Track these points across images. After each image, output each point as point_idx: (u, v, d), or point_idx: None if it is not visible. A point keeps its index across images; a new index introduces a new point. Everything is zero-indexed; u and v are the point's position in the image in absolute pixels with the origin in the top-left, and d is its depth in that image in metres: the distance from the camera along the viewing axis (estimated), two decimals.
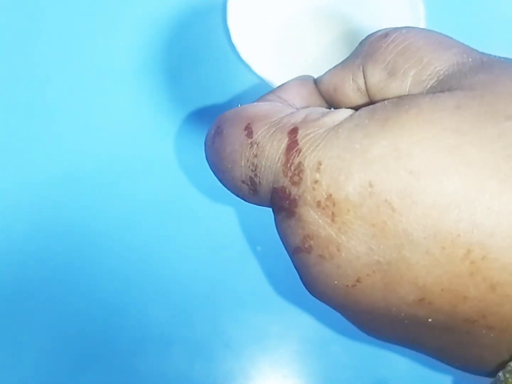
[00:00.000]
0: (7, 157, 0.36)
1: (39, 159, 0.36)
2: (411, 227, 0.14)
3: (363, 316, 0.16)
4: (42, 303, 0.34)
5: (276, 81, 0.33)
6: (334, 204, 0.14)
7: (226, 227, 0.36)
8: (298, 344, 0.34)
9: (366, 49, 0.18)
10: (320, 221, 0.15)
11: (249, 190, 0.17)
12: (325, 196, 0.15)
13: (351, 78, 0.18)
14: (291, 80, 0.21)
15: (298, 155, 0.15)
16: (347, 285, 0.15)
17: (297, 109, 0.18)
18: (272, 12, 0.39)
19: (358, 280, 0.15)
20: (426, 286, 0.14)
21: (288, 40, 0.39)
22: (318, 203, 0.15)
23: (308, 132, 0.15)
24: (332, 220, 0.15)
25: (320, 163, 0.15)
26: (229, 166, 0.17)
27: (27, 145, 0.37)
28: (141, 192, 0.36)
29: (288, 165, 0.15)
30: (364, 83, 0.18)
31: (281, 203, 0.16)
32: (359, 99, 0.18)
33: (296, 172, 0.15)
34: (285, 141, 0.15)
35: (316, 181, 0.15)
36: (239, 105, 0.18)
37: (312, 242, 0.15)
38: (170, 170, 0.36)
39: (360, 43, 0.18)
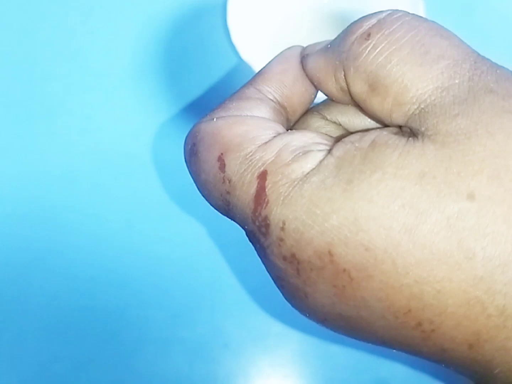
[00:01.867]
0: (7, 157, 0.36)
1: (38, 159, 0.36)
2: (367, 295, 0.14)
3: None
4: (41, 303, 0.34)
5: None
6: (298, 262, 0.15)
7: (226, 227, 0.36)
8: (298, 344, 0.34)
9: (347, 51, 0.16)
10: (288, 270, 0.15)
11: (226, 216, 0.18)
12: (290, 254, 0.15)
13: (333, 78, 0.17)
14: (273, 63, 0.19)
15: (265, 207, 0.15)
16: (317, 320, 0.16)
17: (273, 122, 0.17)
18: (272, 12, 0.39)
19: (325, 319, 0.16)
20: (385, 338, 0.15)
21: (288, 40, 0.39)
22: (284, 258, 0.15)
23: (277, 179, 0.15)
24: (298, 274, 0.15)
25: (284, 223, 0.15)
26: (206, 192, 0.17)
27: (26, 145, 0.37)
28: (140, 192, 0.36)
29: (256, 214, 0.15)
30: (347, 87, 0.17)
31: (253, 243, 0.16)
32: (344, 97, 0.18)
33: (263, 224, 0.15)
34: (254, 186, 0.15)
35: (281, 239, 0.15)
36: (214, 119, 0.17)
37: (283, 283, 0.16)
38: (169, 170, 0.36)
39: (343, 32, 0.17)
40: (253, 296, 0.35)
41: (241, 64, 0.38)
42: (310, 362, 0.34)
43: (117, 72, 0.38)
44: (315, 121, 0.19)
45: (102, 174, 0.36)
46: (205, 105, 0.38)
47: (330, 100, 0.19)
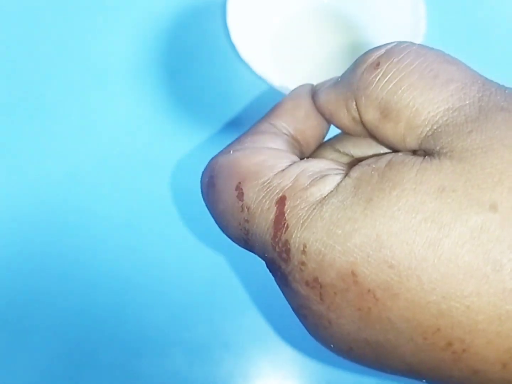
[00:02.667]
0: (7, 157, 0.36)
1: (38, 159, 0.36)
2: (394, 316, 0.14)
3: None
4: (41, 303, 0.34)
5: (275, 81, 0.33)
6: (321, 286, 0.15)
7: None
8: (298, 344, 0.34)
9: (358, 81, 0.17)
10: (311, 296, 0.15)
11: (245, 247, 0.18)
12: (312, 278, 0.15)
13: (345, 109, 0.18)
14: (285, 100, 0.20)
15: (285, 232, 0.15)
16: (342, 350, 0.16)
17: (288, 153, 0.18)
18: (272, 12, 0.39)
19: (351, 349, 0.15)
20: (413, 364, 0.15)
21: (288, 40, 0.39)
22: (307, 283, 0.15)
23: (296, 204, 0.15)
24: (321, 299, 0.15)
25: (305, 246, 0.15)
26: (224, 223, 0.18)
27: (26, 145, 0.36)
28: (140, 191, 0.36)
29: (276, 240, 0.15)
30: (359, 116, 0.17)
31: (274, 272, 0.16)
32: (356, 127, 0.18)
33: (284, 249, 0.15)
34: (273, 212, 0.16)
35: (302, 263, 0.15)
36: (231, 151, 0.18)
37: (306, 312, 0.16)
38: (169, 170, 0.36)
39: (353, 65, 0.17)
40: (253, 296, 0.35)
41: (241, 64, 0.38)
42: (310, 362, 0.34)
43: (117, 72, 0.38)
44: (329, 154, 0.20)
45: (102, 173, 0.36)
46: (205, 104, 0.38)
47: (343, 134, 0.20)
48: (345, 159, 0.19)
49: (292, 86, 0.33)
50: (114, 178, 0.36)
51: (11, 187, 0.36)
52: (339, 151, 0.20)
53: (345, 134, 0.20)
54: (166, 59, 0.39)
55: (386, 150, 0.19)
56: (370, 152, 0.19)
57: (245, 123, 0.38)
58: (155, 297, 0.34)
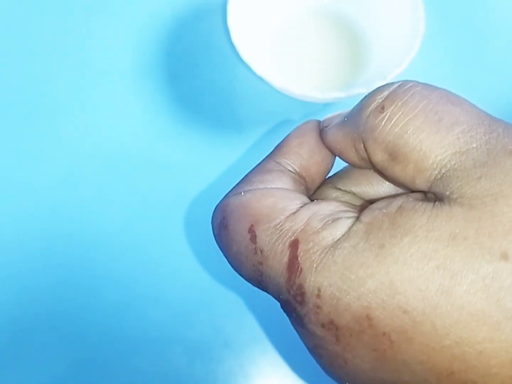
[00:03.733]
0: (7, 157, 0.36)
1: (39, 159, 0.36)
2: (409, 358, 0.14)
3: None
4: (41, 302, 0.34)
5: (276, 82, 0.33)
6: (337, 328, 0.15)
7: None
8: (298, 344, 0.34)
9: (364, 124, 0.17)
10: (327, 338, 0.15)
11: (259, 287, 0.18)
12: (328, 320, 0.15)
13: (354, 149, 0.18)
14: (290, 138, 0.20)
15: (299, 275, 0.15)
16: None
17: (298, 193, 0.18)
18: (272, 12, 0.39)
19: None
20: None
21: (288, 40, 0.39)
22: (323, 325, 0.15)
23: (308, 247, 0.16)
24: (337, 340, 0.15)
25: (319, 290, 0.15)
26: (237, 264, 0.18)
27: (27, 145, 0.37)
28: (140, 191, 0.36)
29: (291, 283, 0.16)
30: (367, 156, 0.17)
31: (289, 313, 0.17)
32: (366, 165, 0.18)
33: (298, 292, 0.16)
34: (286, 255, 0.16)
35: (318, 306, 0.15)
36: (241, 193, 0.18)
37: (322, 351, 0.16)
38: (169, 170, 0.36)
39: (358, 107, 0.18)
40: (253, 296, 0.35)
41: (241, 64, 0.38)
42: (310, 362, 0.34)
43: (117, 72, 0.38)
44: (332, 192, 0.20)
45: (102, 173, 0.36)
46: (205, 104, 0.38)
47: (344, 172, 0.21)
48: (349, 197, 0.20)
49: (292, 87, 0.33)
50: (114, 177, 0.36)
51: (11, 187, 0.36)
52: (341, 189, 0.20)
53: (346, 172, 0.20)
54: (167, 60, 0.39)
55: (386, 188, 0.19)
56: (371, 191, 0.20)
57: (245, 123, 0.38)
58: (156, 296, 0.34)
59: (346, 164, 0.20)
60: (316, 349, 0.16)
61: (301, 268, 0.15)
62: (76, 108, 0.38)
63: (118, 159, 0.36)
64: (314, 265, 0.15)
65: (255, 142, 0.37)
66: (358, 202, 0.20)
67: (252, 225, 0.17)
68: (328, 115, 0.20)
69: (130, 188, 0.36)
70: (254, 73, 0.33)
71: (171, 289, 0.35)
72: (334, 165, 0.21)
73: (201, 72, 0.39)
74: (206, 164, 0.37)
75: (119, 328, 0.34)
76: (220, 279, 0.35)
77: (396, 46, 0.35)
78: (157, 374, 0.33)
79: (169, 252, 0.35)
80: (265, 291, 0.18)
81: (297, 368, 0.34)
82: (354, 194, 0.20)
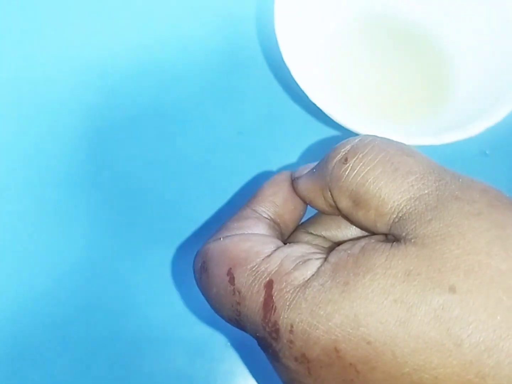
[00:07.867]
0: (7, 157, 0.36)
1: (38, 159, 0.36)
2: None
3: None
4: (41, 302, 0.34)
5: (338, 116, 0.28)
6: (308, 361, 0.16)
7: None
8: None
9: (330, 173, 0.19)
10: (300, 371, 0.17)
11: (237, 326, 0.19)
12: (300, 354, 0.16)
13: (322, 197, 0.20)
14: (265, 187, 0.22)
15: (274, 313, 0.17)
16: None
17: (272, 239, 0.20)
18: (322, 23, 0.33)
19: None
20: None
21: (344, 58, 0.33)
22: (296, 358, 0.17)
23: (282, 287, 0.17)
24: (309, 373, 0.17)
25: (292, 326, 0.16)
26: (217, 305, 0.19)
27: (27, 145, 0.37)
28: (140, 192, 0.36)
29: (266, 321, 0.17)
30: (335, 203, 0.19)
31: (265, 349, 0.18)
32: (334, 211, 0.20)
33: (273, 329, 0.17)
34: (262, 295, 0.17)
35: (291, 341, 0.17)
36: (221, 238, 0.20)
37: None
38: (169, 170, 0.36)
39: (325, 159, 0.20)
40: None
41: (288, 89, 0.35)
42: None
43: (118, 72, 0.38)
44: (305, 236, 0.22)
45: (102, 173, 0.36)
46: (205, 104, 0.38)
47: (315, 218, 0.23)
48: (320, 240, 0.22)
49: (356, 125, 0.27)
50: (114, 177, 0.36)
51: (11, 187, 0.36)
52: (312, 234, 0.22)
53: (317, 218, 0.22)
54: (169, 61, 0.39)
55: (353, 232, 0.21)
56: (339, 234, 0.22)
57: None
58: (156, 296, 0.34)
59: (317, 211, 0.22)
60: (292, 383, 0.18)
61: (275, 306, 0.17)
62: (75, 107, 0.37)
63: (117, 159, 0.36)
64: (287, 303, 0.17)
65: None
66: (328, 245, 0.21)
67: (231, 268, 0.18)
68: (299, 167, 0.22)
69: (129, 188, 0.36)
70: (308, 99, 0.28)
71: (172, 288, 0.35)
72: (307, 211, 0.22)
73: (201, 73, 0.37)
74: (205, 165, 0.36)
75: (119, 328, 0.34)
76: None
77: (496, 69, 0.27)
78: (158, 373, 0.33)
79: (169, 252, 0.35)
80: (243, 330, 0.19)
81: None
82: (324, 237, 0.22)
